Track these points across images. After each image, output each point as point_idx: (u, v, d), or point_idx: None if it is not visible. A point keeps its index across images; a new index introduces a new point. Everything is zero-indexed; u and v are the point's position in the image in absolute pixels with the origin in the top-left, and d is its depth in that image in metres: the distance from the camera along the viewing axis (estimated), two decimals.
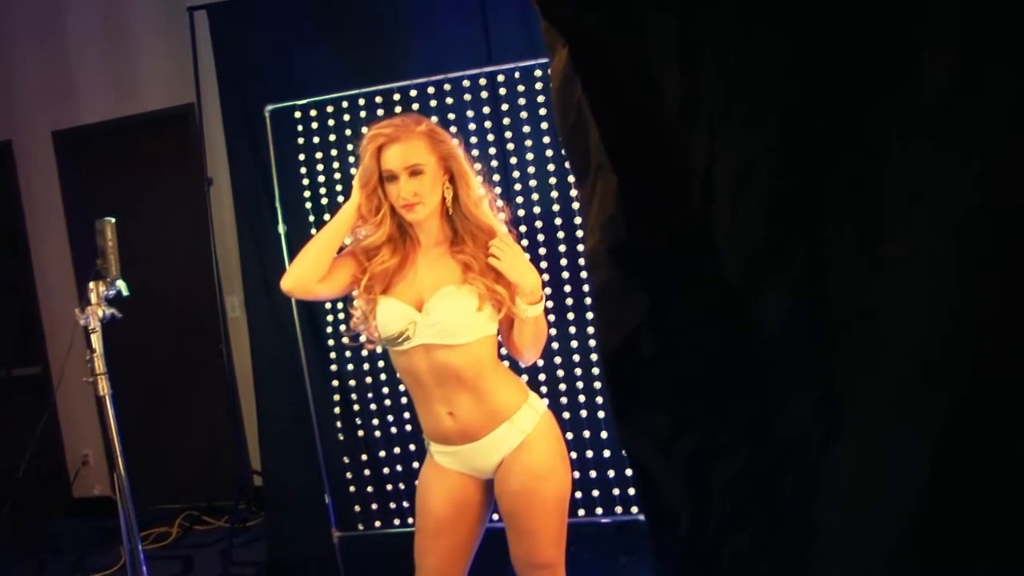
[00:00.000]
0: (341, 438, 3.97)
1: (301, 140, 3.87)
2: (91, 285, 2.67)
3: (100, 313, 2.65)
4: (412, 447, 3.84)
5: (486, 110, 3.69)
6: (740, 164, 1.31)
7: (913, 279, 1.21)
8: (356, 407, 3.95)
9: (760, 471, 1.38)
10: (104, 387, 2.66)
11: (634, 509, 3.56)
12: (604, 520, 3.61)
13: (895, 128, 1.20)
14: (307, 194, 3.92)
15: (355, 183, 2.32)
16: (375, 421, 3.91)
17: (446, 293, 2.22)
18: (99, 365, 2.65)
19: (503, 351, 2.40)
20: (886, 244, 1.22)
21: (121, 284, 2.69)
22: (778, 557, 1.39)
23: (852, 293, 1.27)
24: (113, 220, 2.70)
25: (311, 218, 3.89)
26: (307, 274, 2.29)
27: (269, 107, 3.73)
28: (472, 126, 3.67)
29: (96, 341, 2.65)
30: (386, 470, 3.91)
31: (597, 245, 1.44)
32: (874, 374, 1.27)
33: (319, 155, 3.88)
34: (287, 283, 2.30)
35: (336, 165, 3.87)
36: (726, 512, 1.41)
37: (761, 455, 1.38)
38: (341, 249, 2.36)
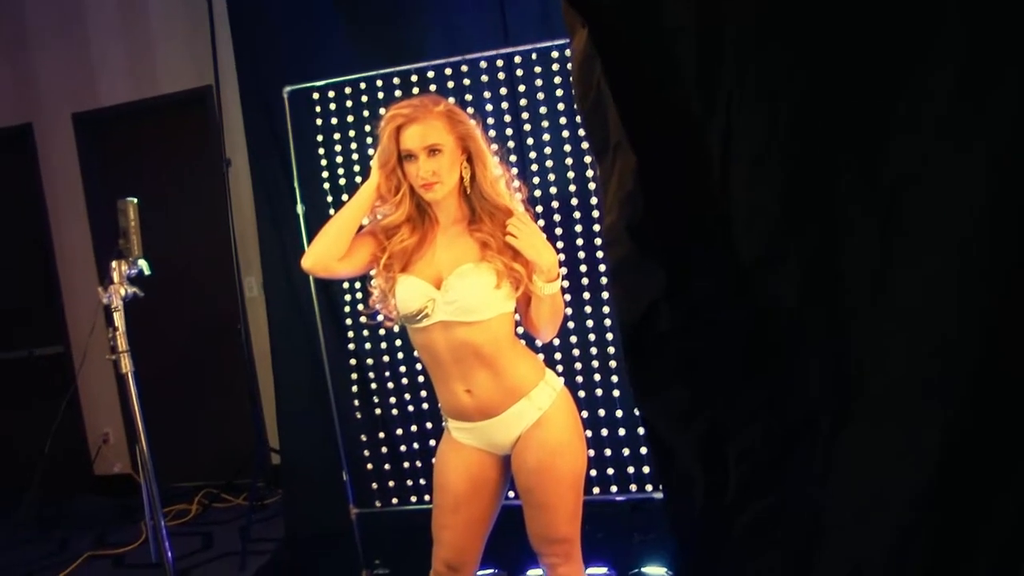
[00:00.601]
0: (358, 416, 4.01)
1: (319, 121, 3.89)
2: (113, 264, 2.71)
3: (122, 292, 2.69)
4: (429, 425, 3.88)
5: (503, 91, 3.70)
6: (756, 145, 1.32)
7: (924, 265, 1.22)
8: (373, 385, 3.99)
9: (770, 450, 1.40)
10: (126, 364, 2.70)
11: (648, 487, 3.59)
12: (619, 498, 3.64)
13: (903, 119, 1.21)
14: (325, 175, 3.93)
15: (374, 163, 2.34)
16: (392, 399, 3.94)
17: (464, 271, 2.24)
18: (122, 343, 2.69)
19: (520, 329, 2.42)
20: (896, 229, 1.24)
21: (143, 263, 2.73)
22: (783, 537, 1.41)
23: (863, 278, 1.28)
24: (135, 200, 2.73)
25: (329, 199, 3.92)
26: (327, 253, 2.31)
27: (287, 88, 3.73)
28: (489, 107, 3.68)
29: (119, 319, 2.69)
30: (403, 447, 3.94)
31: (615, 222, 1.45)
32: (877, 373, 1.28)
33: (337, 136, 3.89)
34: (307, 262, 2.33)
35: (354, 146, 3.88)
36: (738, 487, 1.43)
37: (772, 434, 1.40)
38: (360, 229, 2.39)
